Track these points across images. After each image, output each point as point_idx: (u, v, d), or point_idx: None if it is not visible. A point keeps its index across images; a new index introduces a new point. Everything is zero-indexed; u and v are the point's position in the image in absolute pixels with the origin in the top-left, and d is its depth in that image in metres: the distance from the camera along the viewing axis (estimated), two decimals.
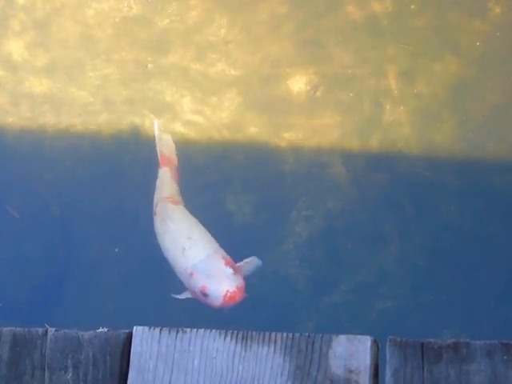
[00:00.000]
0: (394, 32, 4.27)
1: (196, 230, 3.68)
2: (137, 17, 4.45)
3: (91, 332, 1.66)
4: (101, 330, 1.68)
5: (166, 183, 3.85)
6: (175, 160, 3.94)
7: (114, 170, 4.19)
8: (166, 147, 3.96)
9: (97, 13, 4.47)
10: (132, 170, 4.17)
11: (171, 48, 4.37)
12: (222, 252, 3.58)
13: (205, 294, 3.42)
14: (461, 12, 4.27)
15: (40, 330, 1.66)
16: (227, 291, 3.39)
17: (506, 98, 4.13)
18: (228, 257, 3.55)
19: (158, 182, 3.88)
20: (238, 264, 3.58)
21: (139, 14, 4.45)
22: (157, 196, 3.83)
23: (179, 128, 4.23)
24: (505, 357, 1.53)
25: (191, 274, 3.49)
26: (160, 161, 3.91)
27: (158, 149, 3.95)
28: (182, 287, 3.60)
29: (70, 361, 1.63)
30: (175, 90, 4.29)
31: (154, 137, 3.98)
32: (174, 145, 3.99)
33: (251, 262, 3.67)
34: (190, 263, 3.52)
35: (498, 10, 4.26)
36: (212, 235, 3.66)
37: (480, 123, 4.10)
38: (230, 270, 3.46)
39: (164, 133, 4.02)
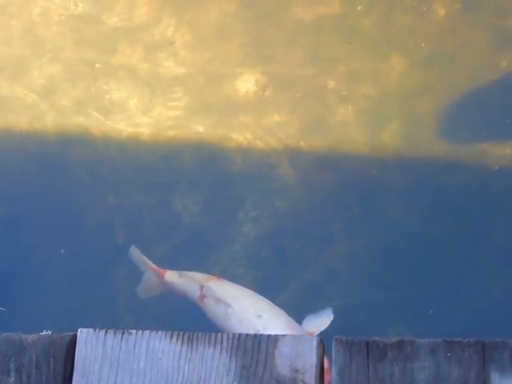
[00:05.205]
0: (341, 33, 4.29)
1: (262, 305, 3.44)
2: (83, 15, 4.40)
3: (34, 335, 1.64)
4: (44, 332, 1.66)
5: (186, 276, 3.63)
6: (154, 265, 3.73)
7: (61, 170, 4.15)
8: (145, 261, 3.75)
9: (42, 10, 4.41)
10: (79, 171, 4.13)
11: (118, 47, 4.34)
12: (296, 325, 3.39)
13: None
14: (406, 13, 4.31)
15: None
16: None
17: (452, 97, 4.18)
18: (304, 328, 3.39)
19: (179, 283, 3.62)
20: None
21: (86, 12, 4.41)
22: (189, 287, 3.58)
23: (126, 127, 4.20)
24: (448, 354, 1.55)
25: None
26: (159, 273, 3.70)
27: (148, 268, 3.74)
28: None
29: (12, 364, 1.60)
30: (122, 90, 4.26)
31: (138, 262, 3.78)
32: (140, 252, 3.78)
33: (326, 319, 3.50)
34: None
35: (442, 12, 4.31)
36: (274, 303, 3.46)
37: (426, 123, 4.14)
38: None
39: (137, 252, 3.78)
